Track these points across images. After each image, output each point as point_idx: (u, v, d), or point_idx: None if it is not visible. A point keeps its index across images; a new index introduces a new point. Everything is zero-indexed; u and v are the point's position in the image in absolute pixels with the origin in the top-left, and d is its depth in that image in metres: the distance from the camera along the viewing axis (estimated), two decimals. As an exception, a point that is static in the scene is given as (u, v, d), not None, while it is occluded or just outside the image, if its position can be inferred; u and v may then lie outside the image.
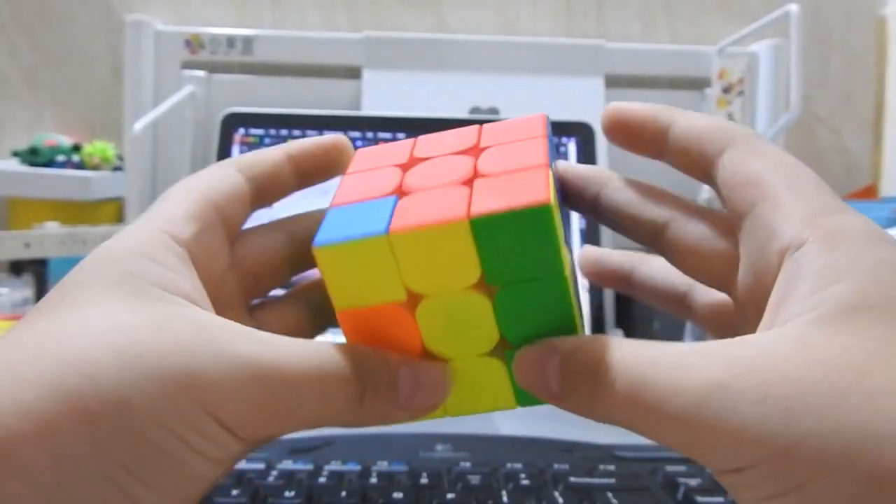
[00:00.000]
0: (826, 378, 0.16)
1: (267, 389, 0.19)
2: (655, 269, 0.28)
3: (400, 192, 0.21)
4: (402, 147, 0.24)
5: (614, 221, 0.25)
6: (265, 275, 0.26)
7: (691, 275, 0.24)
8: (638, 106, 0.24)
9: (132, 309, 0.19)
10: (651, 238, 0.24)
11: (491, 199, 0.19)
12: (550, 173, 0.20)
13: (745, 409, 0.16)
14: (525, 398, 0.22)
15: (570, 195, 0.26)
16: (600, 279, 0.29)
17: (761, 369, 0.17)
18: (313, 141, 0.25)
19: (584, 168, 0.26)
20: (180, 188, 0.24)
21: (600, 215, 0.25)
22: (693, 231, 0.23)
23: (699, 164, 0.23)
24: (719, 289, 0.23)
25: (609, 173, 0.25)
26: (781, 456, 0.16)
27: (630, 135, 0.24)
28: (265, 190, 0.25)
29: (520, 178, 0.20)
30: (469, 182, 0.21)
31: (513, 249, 0.19)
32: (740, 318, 0.22)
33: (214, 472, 0.19)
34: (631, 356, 0.18)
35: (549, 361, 0.20)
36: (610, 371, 0.18)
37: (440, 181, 0.21)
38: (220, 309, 0.22)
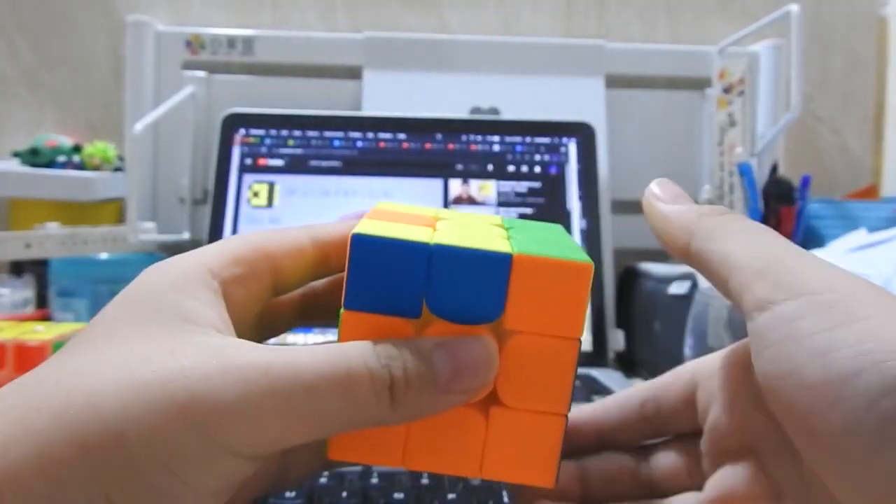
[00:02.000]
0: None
1: (283, 396, 0.18)
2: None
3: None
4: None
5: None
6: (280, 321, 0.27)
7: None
8: None
9: (151, 340, 0.19)
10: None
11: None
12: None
13: None
14: None
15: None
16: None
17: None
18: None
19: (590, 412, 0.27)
20: (242, 235, 0.25)
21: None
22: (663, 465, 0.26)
23: None
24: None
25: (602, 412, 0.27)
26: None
27: None
28: (331, 257, 0.25)
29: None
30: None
31: None
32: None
33: (218, 501, 0.19)
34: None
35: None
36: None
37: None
38: None
